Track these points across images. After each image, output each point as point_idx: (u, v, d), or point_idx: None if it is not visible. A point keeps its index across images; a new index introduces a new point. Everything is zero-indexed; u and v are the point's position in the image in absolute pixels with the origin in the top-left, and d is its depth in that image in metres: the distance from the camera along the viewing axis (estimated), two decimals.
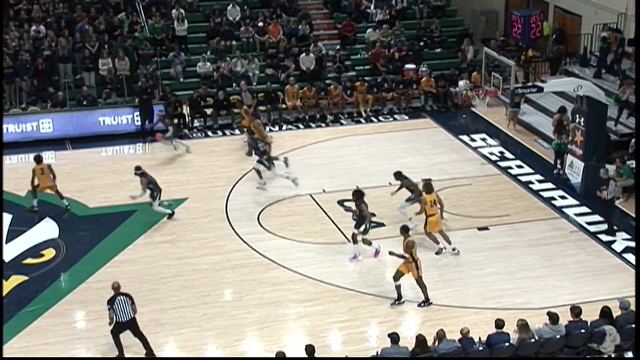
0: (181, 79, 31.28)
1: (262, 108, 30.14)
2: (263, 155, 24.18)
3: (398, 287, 18.70)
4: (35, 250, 21.22)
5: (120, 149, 27.77)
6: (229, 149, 27.75)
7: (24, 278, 19.95)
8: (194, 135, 28.75)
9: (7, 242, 21.56)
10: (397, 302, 18.71)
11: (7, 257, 20.85)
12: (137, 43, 31.35)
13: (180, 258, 20.83)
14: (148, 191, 22.53)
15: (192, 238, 21.76)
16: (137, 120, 28.74)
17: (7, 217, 22.69)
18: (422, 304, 18.69)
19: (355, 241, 20.55)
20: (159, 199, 22.68)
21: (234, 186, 24.67)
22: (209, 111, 29.68)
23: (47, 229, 22.30)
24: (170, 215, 22.74)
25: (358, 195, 20.71)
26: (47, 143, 27.42)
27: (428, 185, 21.12)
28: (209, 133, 29.03)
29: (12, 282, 19.79)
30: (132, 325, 16.92)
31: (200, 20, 33.40)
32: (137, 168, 22.90)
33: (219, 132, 29.14)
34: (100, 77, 30.36)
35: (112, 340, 17.03)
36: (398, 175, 22.29)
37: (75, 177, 25.05)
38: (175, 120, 28.75)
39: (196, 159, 26.80)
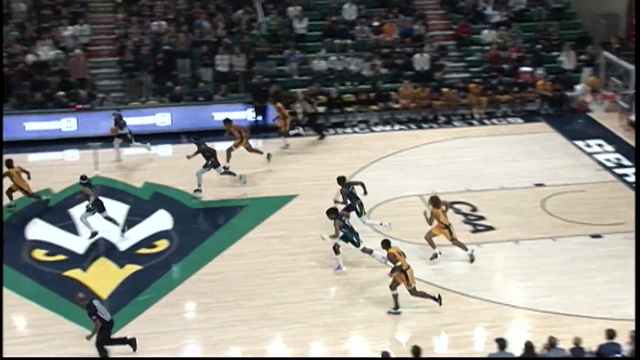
0: (296, 77, 31.55)
1: (374, 107, 30.21)
2: (210, 159, 24.25)
3: (395, 297, 18.47)
4: (149, 241, 21.71)
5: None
6: (341, 147, 27.90)
7: (138, 267, 20.44)
8: (307, 132, 28.97)
9: (124, 231, 22.16)
10: (394, 310, 18.43)
11: (123, 246, 21.45)
12: (255, 40, 31.79)
13: (289, 254, 21.02)
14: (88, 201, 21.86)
15: (302, 235, 21.93)
16: (252, 117, 29.16)
17: (124, 208, 23.35)
18: (438, 300, 18.50)
19: (337, 252, 20.24)
20: (92, 214, 21.77)
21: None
22: (321, 109, 29.90)
23: (161, 221, 22.78)
24: (93, 235, 21.73)
25: (333, 211, 20.51)
26: (163, 136, 28.02)
27: (435, 199, 20.63)
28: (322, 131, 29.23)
29: (127, 271, 20.31)
30: (111, 327, 17.01)
31: (316, 19, 33.61)
32: (83, 177, 22.20)
33: (331, 130, 29.31)
34: (217, 72, 30.89)
35: (213, 334, 17.40)
36: (341, 180, 21.94)
37: (191, 170, 25.50)
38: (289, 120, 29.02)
39: (307, 156, 27.00)
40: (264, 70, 30.91)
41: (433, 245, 20.53)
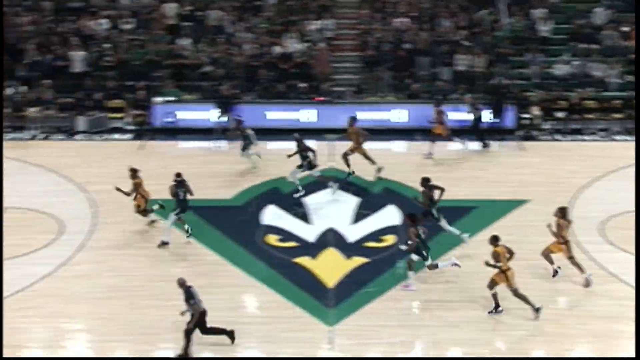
0: (536, 80, 30.93)
1: (616, 115, 29.19)
2: (306, 159, 23.68)
3: (494, 296, 18.17)
4: (377, 235, 21.98)
5: (467, 145, 28.00)
6: (578, 153, 27.15)
7: (365, 260, 20.74)
8: (542, 137, 28.36)
9: (353, 223, 22.58)
10: (494, 311, 18.23)
11: (352, 238, 21.84)
12: (497, 41, 31.45)
13: (517, 259, 20.57)
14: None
15: (531, 241, 21.43)
16: (490, 118, 28.89)
17: (354, 200, 23.79)
18: (537, 311, 18.11)
19: (410, 268, 19.46)
20: (177, 215, 21.20)
21: (579, 193, 24.08)
22: (560, 114, 29.22)
23: (390, 216, 23.01)
24: (188, 234, 21.42)
25: (412, 219, 19.49)
26: (398, 132, 28.20)
27: (564, 210, 19.48)
28: (558, 137, 28.52)
29: (354, 262, 20.65)
30: (204, 316, 17.00)
31: (562, 22, 32.76)
32: (178, 175, 21.39)
33: (569, 136, 28.56)
34: (456, 72, 30.80)
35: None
36: (425, 182, 21.14)
37: (422, 169, 25.65)
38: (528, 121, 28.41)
39: (542, 161, 26.44)
40: (504, 71, 30.57)
41: (551, 262, 19.68)
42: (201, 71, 30.81)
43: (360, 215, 23.01)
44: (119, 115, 29.81)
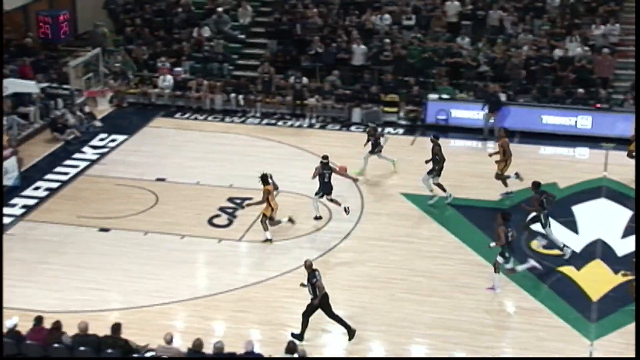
0: None
1: None
2: (437, 164, 23.06)
3: None
4: None
5: None
6: None
7: (634, 276, 19.90)
8: None
9: (623, 237, 21.77)
10: None
11: (621, 251, 21.05)
12: None
13: None
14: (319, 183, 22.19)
15: None
16: None
17: (627, 213, 22.91)
18: None
19: (496, 270, 19.22)
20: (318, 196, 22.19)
21: None
22: None
23: None
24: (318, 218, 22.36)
25: (504, 217, 18.77)
26: None
27: None
28: None
29: (622, 278, 19.92)
30: (327, 298, 17.27)
31: None
32: (324, 157, 22.30)
33: None
34: None
35: None
36: (536, 186, 20.79)
37: None
38: None
39: None
40: None
41: None
42: (478, 71, 30.71)
43: (631, 229, 22.08)
44: (393, 109, 30.31)
